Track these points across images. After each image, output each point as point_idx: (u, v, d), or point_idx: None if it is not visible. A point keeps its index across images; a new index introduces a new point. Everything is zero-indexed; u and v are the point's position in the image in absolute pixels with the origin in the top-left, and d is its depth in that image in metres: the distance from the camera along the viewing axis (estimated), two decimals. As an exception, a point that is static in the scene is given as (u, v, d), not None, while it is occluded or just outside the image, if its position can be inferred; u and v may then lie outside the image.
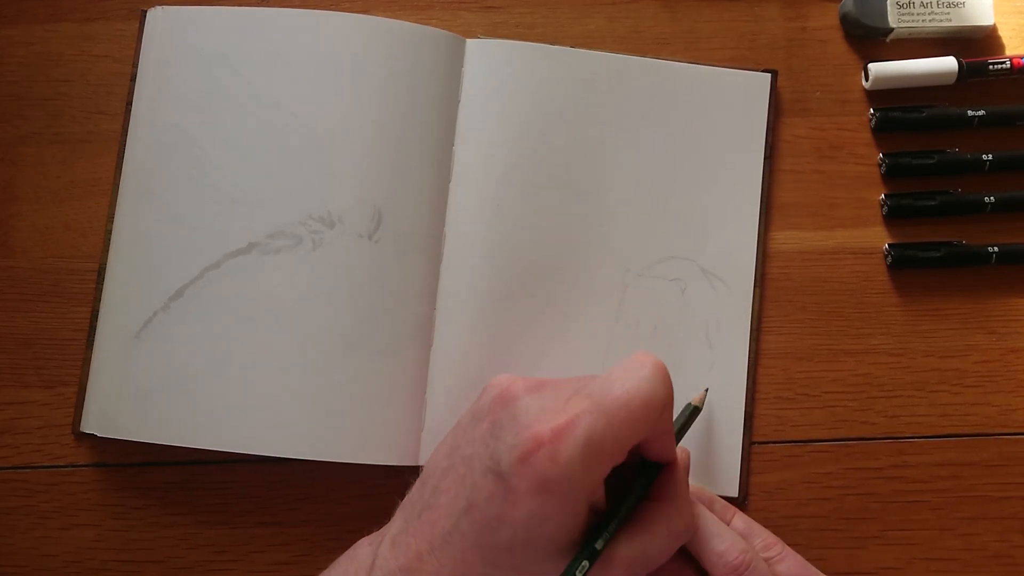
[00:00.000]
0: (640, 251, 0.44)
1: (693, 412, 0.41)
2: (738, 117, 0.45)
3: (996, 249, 0.44)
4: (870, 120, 0.46)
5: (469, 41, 0.45)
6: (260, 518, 0.42)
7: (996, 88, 0.46)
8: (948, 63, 0.45)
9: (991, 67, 0.45)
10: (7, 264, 0.44)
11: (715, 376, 0.43)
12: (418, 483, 0.35)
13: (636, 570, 0.33)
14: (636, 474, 0.35)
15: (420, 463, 0.42)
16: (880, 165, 0.46)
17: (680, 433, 0.40)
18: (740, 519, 0.41)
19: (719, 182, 0.45)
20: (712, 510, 0.41)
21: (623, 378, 0.32)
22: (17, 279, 0.44)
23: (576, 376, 0.34)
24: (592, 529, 0.33)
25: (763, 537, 0.40)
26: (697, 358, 0.43)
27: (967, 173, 0.46)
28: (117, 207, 0.44)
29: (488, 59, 0.45)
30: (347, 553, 0.37)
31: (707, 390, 0.42)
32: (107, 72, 0.46)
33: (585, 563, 0.32)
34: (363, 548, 0.36)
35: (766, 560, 0.39)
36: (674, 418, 0.37)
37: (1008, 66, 0.45)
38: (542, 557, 0.32)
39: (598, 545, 0.32)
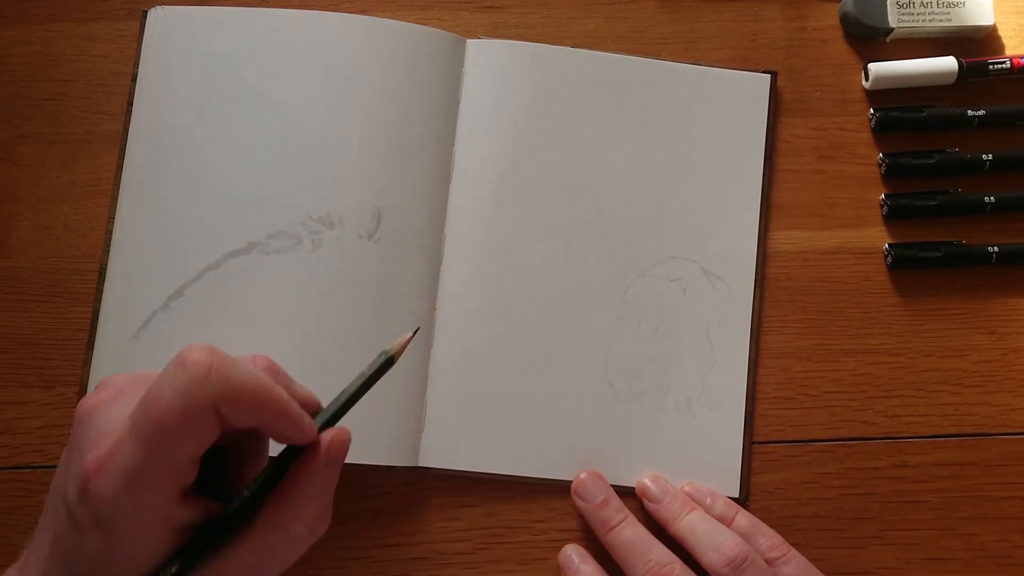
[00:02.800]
0: (641, 251, 0.44)
1: (386, 363, 0.33)
2: (738, 117, 0.45)
3: (996, 249, 0.44)
4: (870, 120, 0.46)
5: (469, 41, 0.45)
6: (260, 518, 0.42)
7: (996, 88, 0.46)
8: (948, 63, 0.45)
9: (991, 67, 0.45)
10: (7, 264, 0.44)
11: (715, 376, 0.43)
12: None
13: None
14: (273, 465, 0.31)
15: (420, 463, 0.42)
16: (880, 165, 0.46)
17: (363, 388, 0.32)
18: (744, 517, 0.41)
19: (719, 182, 0.45)
20: (714, 507, 0.41)
21: (158, 390, 0.28)
22: (17, 279, 0.44)
23: (160, 369, 0.29)
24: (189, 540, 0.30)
25: (768, 536, 0.40)
26: (698, 358, 0.43)
27: (967, 173, 0.46)
28: (117, 207, 0.44)
29: (488, 59, 0.45)
30: None
31: (416, 331, 0.34)
32: (107, 72, 0.46)
33: (176, 565, 0.29)
34: None
35: (770, 560, 0.39)
36: (365, 368, 0.32)
37: (1008, 66, 0.45)
38: None
39: (171, 571, 0.29)
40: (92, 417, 0.30)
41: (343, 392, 0.32)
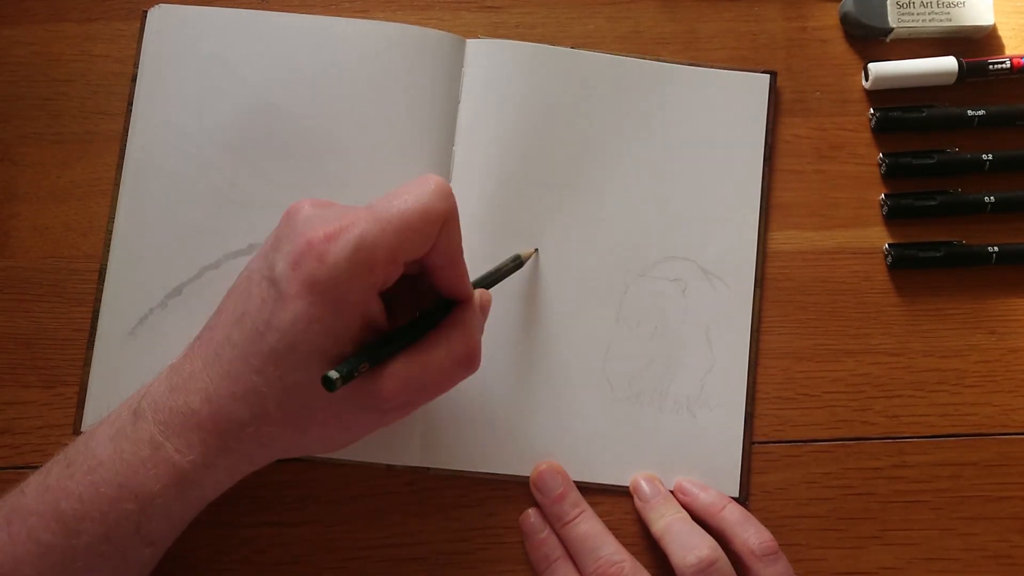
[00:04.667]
0: (640, 251, 0.44)
1: (515, 261, 0.41)
2: (738, 117, 0.45)
3: (996, 249, 0.44)
4: (870, 120, 0.46)
5: (469, 41, 0.45)
6: (260, 518, 0.42)
7: (996, 88, 0.46)
8: (948, 63, 0.45)
9: (991, 67, 0.45)
10: (7, 264, 0.44)
11: (715, 376, 0.43)
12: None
13: (411, 390, 0.33)
14: (432, 306, 0.35)
15: (420, 463, 0.42)
16: (880, 165, 0.46)
17: (493, 277, 0.40)
18: (734, 509, 0.41)
19: (719, 182, 0.45)
20: (699, 498, 0.41)
21: (404, 193, 0.33)
22: (17, 279, 0.44)
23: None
24: (370, 342, 0.33)
25: (757, 531, 0.40)
26: (698, 358, 0.43)
27: (967, 173, 0.46)
28: (117, 207, 0.44)
29: (488, 59, 0.45)
30: None
31: (536, 250, 0.43)
32: (107, 72, 0.46)
33: (366, 363, 0.32)
34: None
35: (757, 555, 0.38)
36: (496, 265, 0.40)
37: (1008, 66, 0.45)
38: (307, 363, 0.32)
39: (361, 368, 0.32)
40: (308, 211, 0.33)
41: (480, 277, 0.39)
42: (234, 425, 0.33)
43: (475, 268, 0.43)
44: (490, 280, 0.40)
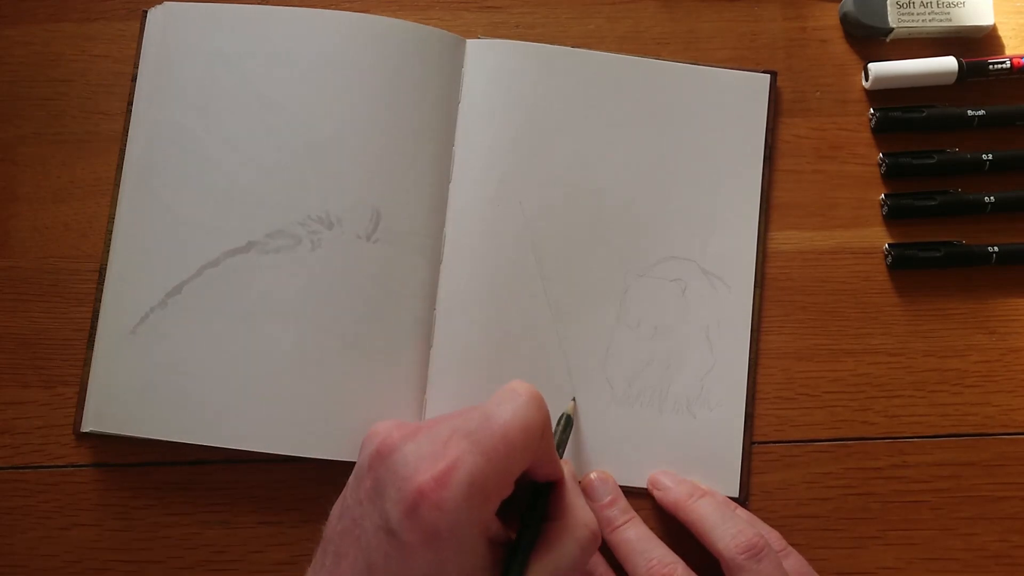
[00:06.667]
0: (640, 251, 0.44)
1: (567, 423, 0.41)
2: (738, 117, 0.45)
3: (996, 249, 0.44)
4: (870, 120, 0.46)
5: (469, 41, 0.45)
6: (260, 518, 0.42)
7: (996, 88, 0.46)
8: (948, 63, 0.45)
9: (991, 67, 0.45)
10: (7, 264, 0.44)
11: (715, 376, 0.43)
12: (319, 549, 0.34)
13: None
14: (528, 496, 0.35)
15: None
16: (880, 165, 0.46)
17: (559, 447, 0.40)
18: (741, 513, 0.41)
19: (719, 182, 0.45)
20: (670, 494, 0.41)
21: (498, 411, 0.32)
22: (17, 279, 0.44)
23: (452, 412, 0.34)
24: (500, 563, 0.33)
25: (766, 532, 0.40)
26: (698, 358, 0.43)
27: (967, 173, 0.46)
28: (117, 207, 0.44)
29: (488, 59, 0.45)
30: None
31: (574, 400, 0.42)
32: (107, 72, 0.46)
33: None
34: None
35: (741, 564, 0.39)
36: (553, 429, 0.38)
37: (1008, 66, 0.45)
38: None
39: None
40: (400, 450, 0.32)
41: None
42: None
43: (475, 265, 0.43)
44: (559, 452, 0.40)
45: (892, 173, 0.45)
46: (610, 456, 0.42)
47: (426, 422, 0.34)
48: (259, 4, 0.46)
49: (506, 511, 0.33)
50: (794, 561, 0.40)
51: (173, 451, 0.42)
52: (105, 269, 0.43)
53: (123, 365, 0.42)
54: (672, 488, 0.41)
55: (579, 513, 0.35)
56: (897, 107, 0.46)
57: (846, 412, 0.44)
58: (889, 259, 0.45)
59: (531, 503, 0.35)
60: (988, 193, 0.45)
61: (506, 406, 0.32)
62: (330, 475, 0.42)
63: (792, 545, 0.40)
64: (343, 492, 0.35)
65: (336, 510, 0.34)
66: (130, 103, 0.45)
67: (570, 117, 0.45)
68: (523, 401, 0.32)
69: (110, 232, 0.44)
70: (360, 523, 0.32)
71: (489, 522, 0.32)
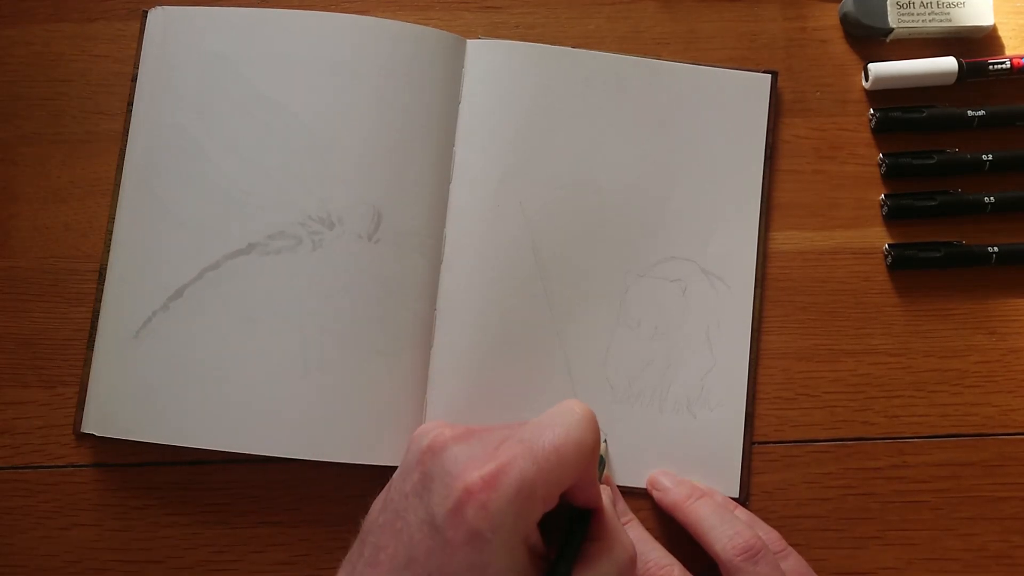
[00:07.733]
0: (641, 252, 0.44)
1: (600, 463, 0.41)
2: (738, 117, 0.45)
3: (996, 249, 0.44)
4: (870, 120, 0.46)
5: (469, 41, 0.45)
6: (260, 518, 0.42)
7: (996, 88, 0.46)
8: (948, 63, 0.45)
9: (991, 67, 0.45)
10: (7, 264, 0.44)
11: (715, 376, 0.43)
12: (357, 540, 0.34)
13: None
14: (569, 519, 0.35)
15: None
16: (880, 165, 0.46)
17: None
18: (741, 513, 0.41)
19: (719, 182, 0.45)
20: (669, 495, 0.41)
21: (554, 424, 0.32)
22: (17, 279, 0.44)
23: (504, 423, 0.34)
24: (541, 573, 0.33)
25: (765, 532, 0.40)
26: (698, 358, 0.43)
27: (967, 173, 0.46)
28: (117, 207, 0.44)
29: (488, 59, 0.45)
30: None
31: (606, 440, 0.42)
32: (107, 72, 0.46)
33: None
34: None
35: (738, 565, 0.39)
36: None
37: (1008, 66, 0.45)
38: None
39: None
40: (450, 448, 0.32)
41: None
42: None
43: (475, 265, 0.43)
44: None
45: (892, 173, 0.45)
46: (610, 456, 0.42)
47: (477, 427, 0.34)
48: (259, 6, 0.46)
49: (543, 531, 0.33)
50: (793, 562, 0.40)
51: (173, 451, 0.42)
52: (105, 269, 0.43)
53: (125, 369, 0.42)
54: (671, 489, 0.41)
55: (620, 536, 0.35)
56: (897, 107, 0.46)
57: (846, 412, 0.44)
58: (889, 259, 0.45)
59: (569, 527, 0.35)
60: (988, 193, 0.45)
61: (562, 421, 0.32)
62: (330, 476, 0.42)
63: (792, 545, 0.40)
64: (387, 486, 0.35)
65: (378, 503, 0.35)
66: (130, 103, 0.45)
67: (570, 117, 0.45)
68: (578, 419, 0.33)
69: (110, 232, 0.44)
70: (404, 516, 0.32)
71: (530, 531, 0.32)
